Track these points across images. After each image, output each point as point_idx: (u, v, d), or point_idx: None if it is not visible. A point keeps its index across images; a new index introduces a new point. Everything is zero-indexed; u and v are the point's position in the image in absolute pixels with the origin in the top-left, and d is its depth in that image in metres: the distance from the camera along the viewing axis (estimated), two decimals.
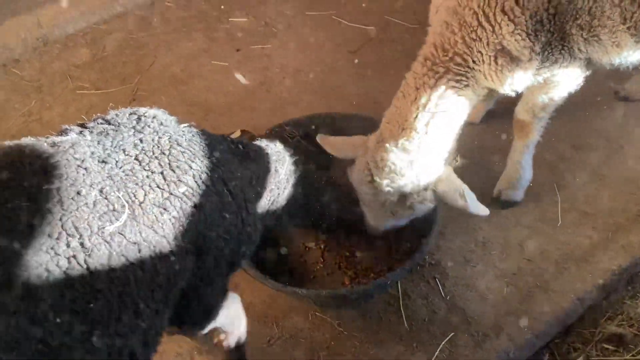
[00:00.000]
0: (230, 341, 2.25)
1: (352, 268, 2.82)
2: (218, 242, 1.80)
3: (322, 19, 4.52)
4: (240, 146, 2.14)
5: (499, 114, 3.45)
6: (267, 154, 2.27)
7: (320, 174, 2.72)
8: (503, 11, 2.17)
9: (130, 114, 1.78)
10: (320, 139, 2.77)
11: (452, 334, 2.60)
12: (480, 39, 2.24)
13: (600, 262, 2.85)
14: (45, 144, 1.56)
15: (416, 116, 2.42)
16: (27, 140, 1.57)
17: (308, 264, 2.90)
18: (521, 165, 2.99)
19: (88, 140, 1.63)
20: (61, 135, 1.68)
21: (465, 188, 2.48)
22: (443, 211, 2.81)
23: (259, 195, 2.15)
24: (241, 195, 1.93)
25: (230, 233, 1.86)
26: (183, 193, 1.68)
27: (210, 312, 2.00)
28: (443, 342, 2.57)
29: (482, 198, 3.13)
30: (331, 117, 3.23)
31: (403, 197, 2.50)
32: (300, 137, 2.90)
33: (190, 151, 1.77)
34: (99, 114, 1.79)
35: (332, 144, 2.72)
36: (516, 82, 2.33)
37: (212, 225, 1.76)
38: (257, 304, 2.80)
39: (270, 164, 2.24)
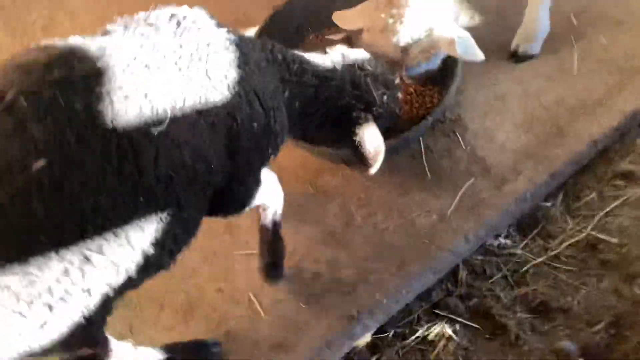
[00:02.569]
0: (268, 214, 2.44)
1: None
2: (248, 148, 1.93)
3: None
4: (280, 55, 2.16)
5: None
6: (307, 69, 2.24)
7: None
8: None
9: (171, 16, 1.81)
10: (336, 15, 2.86)
11: (473, 179, 2.83)
12: None
13: (614, 105, 2.97)
14: (92, 45, 1.62)
15: None
16: (75, 41, 1.64)
17: None
18: (538, 18, 3.03)
19: (131, 43, 1.68)
20: (105, 35, 1.74)
21: (460, 36, 2.57)
22: (464, 68, 2.95)
23: (290, 105, 2.20)
24: (271, 104, 2.00)
25: (258, 139, 1.97)
26: (219, 100, 1.77)
27: (244, 204, 2.19)
28: (464, 187, 2.81)
29: (501, 53, 3.28)
30: None
31: (405, 50, 2.62)
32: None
33: (227, 60, 1.83)
34: (140, 14, 1.81)
35: (345, 17, 2.81)
36: None
37: (242, 132, 1.87)
38: (291, 166, 3.04)
39: (308, 80, 2.23)
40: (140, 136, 1.56)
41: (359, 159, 2.40)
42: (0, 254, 1.38)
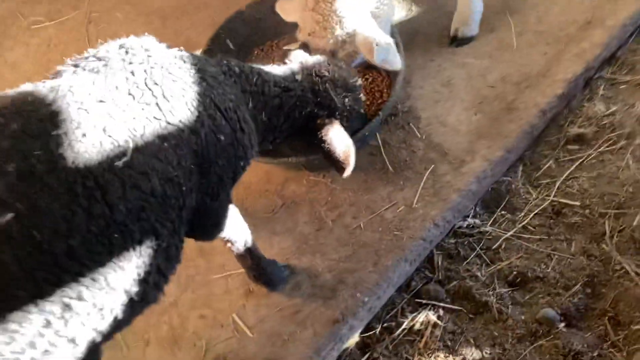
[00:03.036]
0: (239, 246, 2.42)
1: None
2: (217, 161, 1.92)
3: None
4: (237, 68, 2.17)
5: None
6: (267, 80, 2.24)
7: None
8: None
9: (119, 47, 1.81)
10: (278, 5, 2.93)
11: (433, 165, 2.88)
12: None
13: (557, 74, 3.06)
14: (44, 89, 1.62)
15: None
16: (27, 88, 1.63)
17: None
18: (470, 0, 3.11)
19: (83, 80, 1.68)
20: (56, 77, 1.73)
21: (379, 44, 2.59)
22: (408, 61, 3.01)
23: (255, 116, 2.20)
24: (234, 116, 1.99)
25: (227, 152, 1.96)
26: (179, 120, 1.77)
27: (219, 223, 2.18)
28: (426, 174, 2.86)
29: (442, 40, 3.35)
30: None
31: (333, 52, 2.69)
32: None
33: (182, 79, 1.83)
34: (90, 51, 1.82)
35: (285, 9, 2.89)
36: None
37: (209, 146, 1.86)
38: (256, 182, 3.06)
39: (270, 90, 2.24)
40: (105, 172, 1.55)
41: (332, 164, 2.41)
42: None
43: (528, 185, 2.94)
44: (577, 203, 2.79)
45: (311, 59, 2.48)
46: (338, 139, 2.36)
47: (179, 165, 1.75)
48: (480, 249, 2.78)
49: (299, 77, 2.36)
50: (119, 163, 1.57)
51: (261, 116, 2.22)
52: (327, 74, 2.42)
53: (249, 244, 2.45)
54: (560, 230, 2.76)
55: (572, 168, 2.91)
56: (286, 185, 3.04)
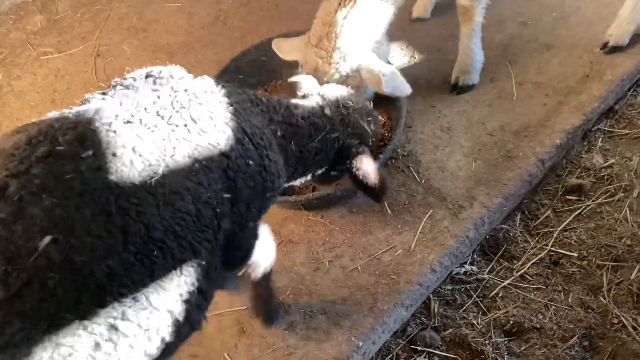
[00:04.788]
0: (258, 273, 2.36)
1: None
2: (246, 189, 1.90)
3: None
4: (263, 98, 2.17)
5: (448, 6, 3.60)
6: (294, 112, 2.24)
7: None
8: None
9: (147, 75, 1.83)
10: (275, 43, 3.04)
11: (431, 210, 2.89)
12: None
13: (555, 124, 3.11)
14: (70, 114, 1.63)
15: (336, 10, 2.69)
16: (53, 115, 1.64)
17: None
18: (471, 50, 3.18)
19: (111, 104, 1.69)
20: (84, 104, 1.74)
21: (385, 74, 2.67)
22: (409, 107, 3.06)
23: (285, 147, 2.19)
24: (262, 142, 1.99)
25: (255, 179, 1.94)
26: (208, 143, 1.76)
27: (247, 254, 2.15)
28: (424, 219, 2.86)
29: (443, 87, 3.41)
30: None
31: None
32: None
33: (209, 102, 1.84)
34: (117, 79, 1.84)
35: (282, 48, 2.99)
36: None
37: (239, 171, 1.86)
38: None
39: (298, 121, 2.23)
40: (138, 190, 1.54)
41: (365, 191, 2.38)
42: (28, 339, 1.34)
43: (526, 234, 2.94)
44: (575, 254, 2.79)
45: (332, 90, 2.48)
46: (371, 165, 2.35)
47: (210, 187, 1.74)
48: (477, 296, 2.77)
49: (327, 111, 2.35)
50: (151, 181, 1.57)
51: (291, 147, 2.21)
52: (352, 103, 2.43)
53: (268, 270, 2.41)
54: (558, 281, 2.75)
55: (570, 218, 2.92)
56: (284, 224, 3.03)
